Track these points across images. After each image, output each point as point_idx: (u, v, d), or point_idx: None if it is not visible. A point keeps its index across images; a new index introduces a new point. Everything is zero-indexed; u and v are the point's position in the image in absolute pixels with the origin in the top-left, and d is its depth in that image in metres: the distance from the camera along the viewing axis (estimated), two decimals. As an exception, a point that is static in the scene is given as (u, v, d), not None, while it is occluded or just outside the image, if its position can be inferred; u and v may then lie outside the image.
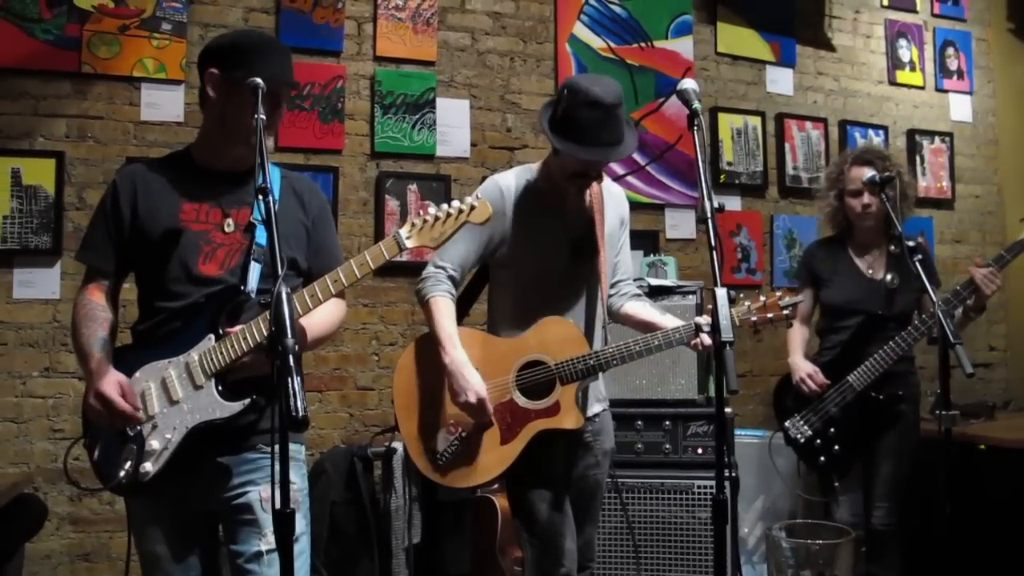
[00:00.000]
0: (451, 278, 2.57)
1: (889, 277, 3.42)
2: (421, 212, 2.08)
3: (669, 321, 2.58)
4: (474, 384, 2.43)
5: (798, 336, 3.59)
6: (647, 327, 2.62)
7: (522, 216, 2.56)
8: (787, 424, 3.45)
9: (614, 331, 2.72)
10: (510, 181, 2.60)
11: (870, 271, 3.47)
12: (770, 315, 2.45)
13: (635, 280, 2.90)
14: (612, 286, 2.76)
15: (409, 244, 2.05)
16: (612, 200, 2.75)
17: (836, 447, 3.36)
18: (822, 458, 3.39)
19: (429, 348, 2.57)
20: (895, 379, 3.34)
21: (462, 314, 2.67)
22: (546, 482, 2.56)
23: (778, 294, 2.48)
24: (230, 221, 2.15)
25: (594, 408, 2.69)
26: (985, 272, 3.17)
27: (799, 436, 3.41)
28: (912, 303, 3.44)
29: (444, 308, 2.53)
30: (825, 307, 3.59)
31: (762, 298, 2.47)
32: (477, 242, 2.55)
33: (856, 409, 3.33)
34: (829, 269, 3.53)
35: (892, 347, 3.25)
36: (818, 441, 3.39)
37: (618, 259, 2.79)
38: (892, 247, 3.47)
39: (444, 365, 2.47)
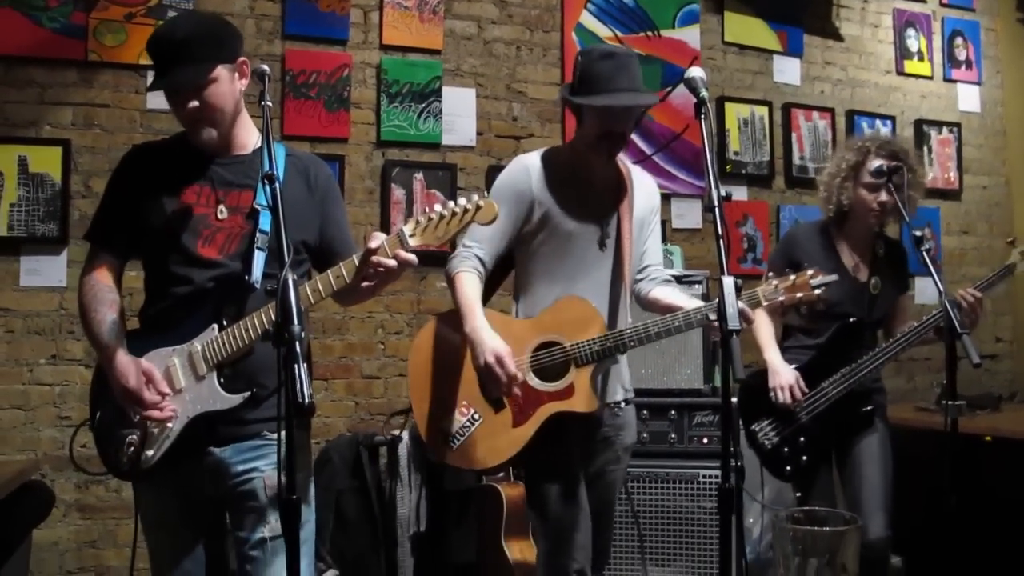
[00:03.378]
0: (478, 257, 2.51)
1: (873, 281, 3.20)
2: (427, 210, 2.03)
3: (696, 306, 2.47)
4: (490, 344, 2.35)
5: (768, 330, 3.23)
6: (673, 312, 2.51)
7: (548, 193, 2.53)
8: (754, 427, 3.21)
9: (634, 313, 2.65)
10: (535, 160, 2.57)
11: (856, 271, 3.22)
12: (800, 295, 2.34)
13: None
14: (641, 271, 2.70)
15: (412, 243, 2.00)
16: (642, 187, 2.70)
17: (804, 457, 3.12)
18: (788, 468, 3.16)
19: (448, 327, 2.53)
20: (865, 391, 3.14)
21: (484, 300, 2.58)
22: (561, 474, 2.50)
23: (810, 272, 2.36)
24: (223, 208, 2.13)
25: (616, 395, 2.61)
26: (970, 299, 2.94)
27: (766, 442, 3.17)
28: (889, 312, 3.24)
29: (468, 282, 2.47)
30: None
31: (792, 277, 2.36)
32: (506, 221, 2.48)
33: (828, 420, 3.10)
34: (812, 260, 3.11)
35: (873, 357, 3.05)
36: (785, 449, 3.14)
37: (647, 245, 2.72)
38: (878, 248, 3.23)
39: (467, 333, 2.41)
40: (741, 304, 2.26)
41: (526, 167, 2.55)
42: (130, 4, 3.91)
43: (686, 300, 2.56)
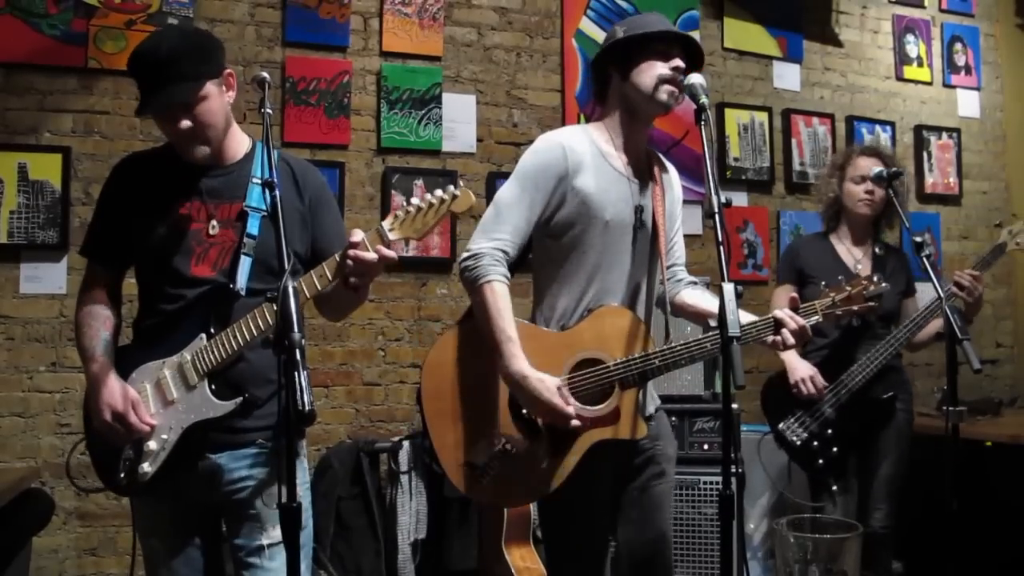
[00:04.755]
0: (505, 254, 2.20)
1: (876, 277, 3.27)
2: (404, 203, 2.04)
3: None
4: (560, 411, 2.10)
5: None
6: (707, 319, 2.34)
7: (585, 177, 2.24)
8: (781, 426, 3.32)
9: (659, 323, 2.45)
10: (572, 138, 2.28)
11: (858, 267, 3.35)
12: (855, 307, 2.26)
13: None
14: (667, 269, 2.46)
15: (392, 236, 2.00)
16: (669, 173, 2.49)
17: (834, 449, 3.24)
18: (820, 461, 3.26)
19: (470, 343, 2.24)
20: (887, 378, 3.28)
21: None
22: (586, 507, 2.23)
23: (864, 283, 2.27)
24: (215, 223, 2.11)
25: (650, 407, 2.37)
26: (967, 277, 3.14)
27: (795, 439, 3.28)
28: (895, 306, 3.35)
29: (502, 300, 2.15)
30: None
31: (847, 288, 2.26)
32: (536, 205, 2.23)
33: (851, 410, 3.24)
34: (815, 265, 3.36)
35: (886, 345, 3.20)
36: (815, 443, 3.25)
37: (674, 241, 2.50)
38: (877, 249, 3.40)
39: (508, 375, 2.13)
40: (802, 321, 2.18)
41: (561, 146, 2.25)
42: (130, 11, 3.91)
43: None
